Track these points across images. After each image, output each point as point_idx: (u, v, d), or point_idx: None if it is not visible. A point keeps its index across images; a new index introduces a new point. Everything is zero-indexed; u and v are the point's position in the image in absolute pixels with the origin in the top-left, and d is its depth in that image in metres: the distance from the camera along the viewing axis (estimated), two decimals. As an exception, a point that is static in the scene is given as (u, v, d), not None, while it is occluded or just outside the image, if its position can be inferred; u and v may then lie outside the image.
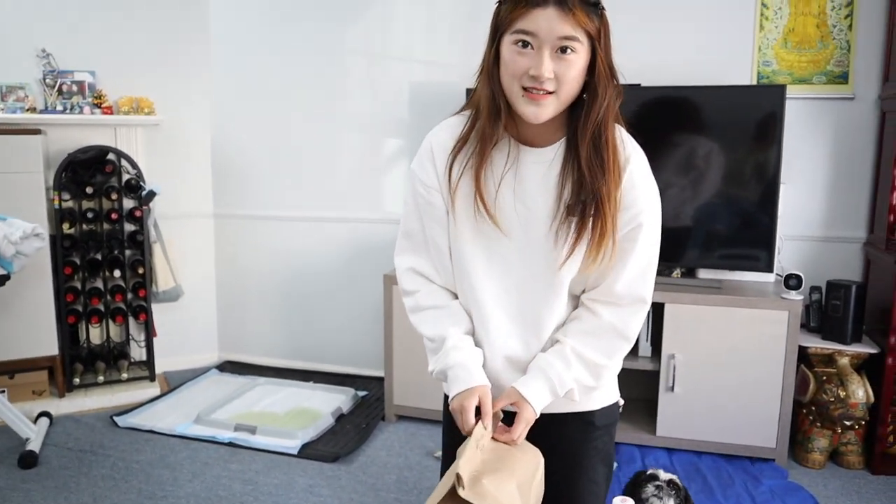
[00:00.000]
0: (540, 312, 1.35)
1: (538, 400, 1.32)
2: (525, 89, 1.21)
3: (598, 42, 1.21)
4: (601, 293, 1.34)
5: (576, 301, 1.39)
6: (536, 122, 1.25)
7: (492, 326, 1.37)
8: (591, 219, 1.26)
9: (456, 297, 1.42)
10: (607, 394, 1.46)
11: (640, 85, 3.12)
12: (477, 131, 1.31)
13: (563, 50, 1.18)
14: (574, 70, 1.20)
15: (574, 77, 1.21)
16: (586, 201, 1.26)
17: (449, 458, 1.37)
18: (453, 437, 1.35)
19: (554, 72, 1.19)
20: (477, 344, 1.40)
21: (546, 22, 1.16)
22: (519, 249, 1.34)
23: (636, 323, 1.35)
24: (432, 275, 1.42)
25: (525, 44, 1.19)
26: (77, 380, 3.70)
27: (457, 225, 1.35)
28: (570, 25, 1.16)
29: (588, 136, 1.25)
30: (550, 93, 1.21)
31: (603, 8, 1.22)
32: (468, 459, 1.21)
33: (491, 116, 1.28)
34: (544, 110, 1.23)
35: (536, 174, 1.31)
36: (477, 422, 1.30)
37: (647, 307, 1.36)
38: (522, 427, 1.31)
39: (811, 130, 3.25)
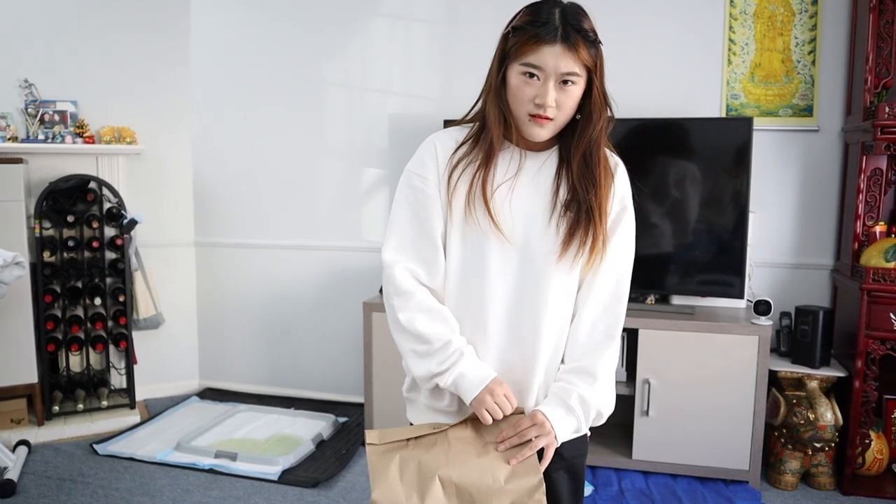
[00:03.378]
0: (538, 307, 1.42)
1: (549, 410, 1.39)
2: (531, 114, 1.34)
3: (595, 73, 1.35)
4: (582, 293, 1.45)
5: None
6: (537, 140, 1.39)
7: (490, 319, 1.42)
8: (583, 227, 1.38)
9: (440, 298, 1.46)
10: None
11: (612, 117, 3.21)
12: (483, 142, 1.41)
13: (565, 82, 1.31)
14: (572, 99, 1.34)
15: (572, 105, 1.35)
16: (580, 209, 1.38)
17: None
18: None
19: (556, 100, 1.32)
20: (470, 341, 1.44)
21: (553, 58, 1.29)
22: (517, 246, 1.41)
23: (621, 323, 1.46)
24: (423, 276, 1.45)
25: (531, 75, 1.32)
26: (56, 408, 3.69)
27: (454, 224, 1.42)
28: (572, 61, 1.30)
29: (580, 154, 1.39)
30: (552, 118, 1.35)
31: (600, 42, 1.36)
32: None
33: (500, 131, 1.40)
34: (546, 132, 1.37)
35: (533, 173, 1.42)
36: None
37: (624, 304, 1.46)
38: (526, 423, 1.38)
39: (779, 161, 3.36)
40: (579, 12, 1.33)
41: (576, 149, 1.39)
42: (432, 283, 1.45)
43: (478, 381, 1.37)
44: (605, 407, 1.44)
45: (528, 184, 1.41)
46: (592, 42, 1.32)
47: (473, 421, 1.41)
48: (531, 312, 1.42)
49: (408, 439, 1.38)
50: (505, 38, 1.37)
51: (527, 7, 1.36)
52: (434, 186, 1.43)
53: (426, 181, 1.43)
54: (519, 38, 1.32)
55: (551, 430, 1.37)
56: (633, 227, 1.47)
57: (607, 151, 1.44)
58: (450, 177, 1.41)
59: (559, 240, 1.39)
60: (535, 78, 1.32)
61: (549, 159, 1.43)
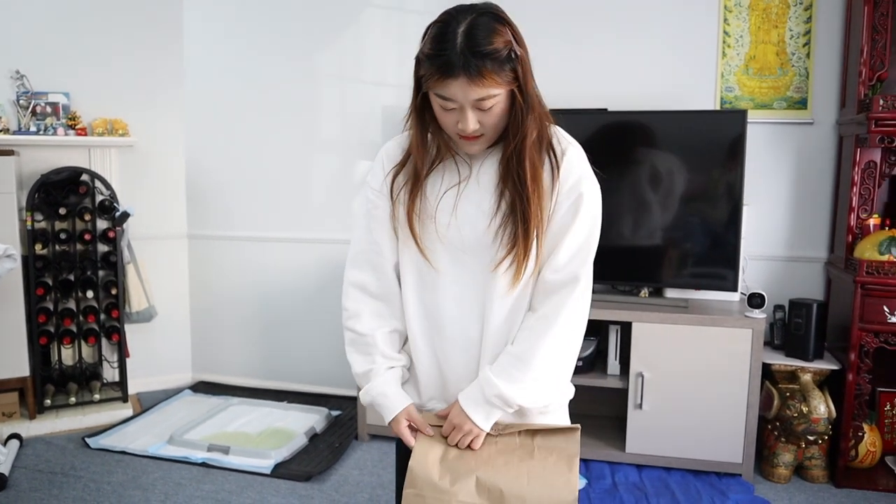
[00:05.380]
0: (483, 308, 1.42)
1: (466, 399, 1.40)
2: (459, 135, 1.33)
3: (516, 85, 1.29)
4: (539, 279, 1.40)
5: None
6: (473, 154, 1.39)
7: (445, 319, 1.43)
8: (521, 236, 1.34)
9: (390, 311, 1.49)
10: (555, 419, 1.49)
11: (606, 110, 3.21)
12: (411, 165, 1.41)
13: (482, 105, 1.27)
14: (495, 117, 1.30)
15: (497, 121, 1.31)
16: (516, 212, 1.35)
17: (403, 473, 1.44)
18: (404, 456, 1.47)
19: (479, 121, 1.29)
20: (430, 338, 1.46)
21: (460, 90, 1.25)
22: (466, 250, 1.40)
23: (569, 309, 1.38)
24: (370, 284, 1.48)
25: (447, 103, 1.29)
26: (48, 401, 3.67)
27: (400, 230, 1.44)
28: (482, 88, 1.24)
29: (509, 155, 1.34)
30: (481, 135, 1.33)
31: (516, 52, 1.27)
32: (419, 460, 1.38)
33: (422, 155, 1.40)
34: (478, 146, 1.36)
35: (479, 172, 1.41)
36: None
37: (583, 288, 1.39)
38: (448, 427, 1.42)
39: (773, 154, 3.35)
40: (485, 29, 1.23)
41: (505, 153, 1.35)
42: (383, 289, 1.48)
43: (387, 410, 1.45)
44: (533, 402, 1.40)
45: (474, 185, 1.40)
46: (504, 59, 1.24)
47: (524, 432, 1.43)
48: (478, 314, 1.42)
49: None
50: (417, 66, 1.31)
51: (431, 28, 1.29)
52: (383, 197, 1.46)
53: (375, 192, 1.47)
54: (425, 71, 1.27)
55: (474, 429, 1.39)
56: (593, 211, 1.39)
57: (554, 139, 1.38)
58: (391, 187, 1.44)
59: (496, 245, 1.37)
60: (452, 107, 1.28)
61: (493, 156, 1.40)
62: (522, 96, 1.29)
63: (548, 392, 1.43)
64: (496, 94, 1.26)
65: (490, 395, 1.37)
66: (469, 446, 1.40)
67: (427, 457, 1.38)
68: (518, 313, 1.41)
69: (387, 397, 1.44)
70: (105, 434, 3.46)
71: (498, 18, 1.27)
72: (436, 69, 1.24)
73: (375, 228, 1.47)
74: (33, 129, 3.72)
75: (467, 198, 1.39)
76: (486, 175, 1.39)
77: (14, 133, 3.69)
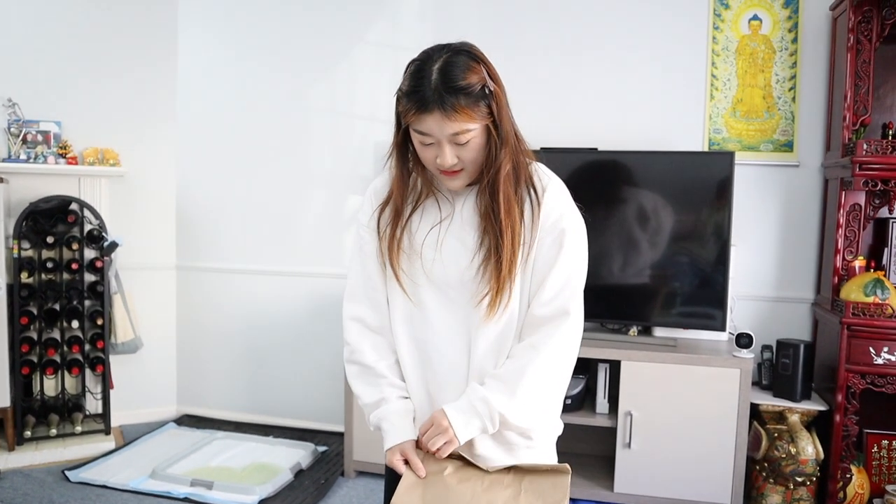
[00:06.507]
0: (468, 343, 1.43)
1: (452, 409, 1.39)
2: (440, 170, 1.35)
3: (490, 120, 1.32)
4: (528, 313, 1.41)
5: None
6: (455, 190, 1.42)
7: (431, 349, 1.44)
8: (497, 272, 1.36)
9: (388, 343, 1.50)
10: (542, 455, 1.49)
11: (596, 149, 3.25)
12: (393, 205, 1.44)
13: (458, 140, 1.30)
14: (473, 151, 1.33)
15: (475, 156, 1.34)
16: (495, 244, 1.36)
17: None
18: (391, 494, 1.44)
19: (457, 156, 1.32)
20: (419, 366, 1.46)
21: (435, 124, 1.28)
22: (450, 286, 1.42)
23: (558, 339, 1.39)
24: (369, 318, 1.50)
25: (426, 139, 1.32)
26: (28, 433, 3.61)
27: (386, 265, 1.46)
28: (456, 123, 1.28)
29: (485, 190, 1.37)
30: (461, 169, 1.35)
31: (490, 88, 1.30)
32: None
33: (403, 192, 1.42)
34: (460, 182, 1.38)
35: (461, 209, 1.43)
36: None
37: (573, 322, 1.40)
38: (427, 425, 1.40)
39: (760, 195, 3.39)
40: (459, 66, 1.28)
41: (482, 188, 1.38)
42: (381, 322, 1.50)
43: (388, 438, 1.44)
44: (515, 419, 1.39)
45: (458, 222, 1.42)
46: (478, 95, 1.28)
47: (515, 472, 1.41)
48: (465, 348, 1.43)
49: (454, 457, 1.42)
50: (397, 103, 1.35)
51: (410, 65, 1.33)
52: (371, 232, 1.49)
53: (364, 227, 1.50)
54: (403, 107, 1.32)
55: (454, 437, 1.38)
56: (577, 246, 1.41)
57: (534, 176, 1.41)
58: (378, 223, 1.46)
59: (478, 280, 1.39)
60: (430, 141, 1.32)
61: (474, 193, 1.42)
62: (497, 131, 1.33)
63: (533, 416, 1.42)
64: (471, 129, 1.30)
65: (474, 399, 1.37)
66: (437, 454, 1.39)
67: (409, 496, 1.36)
68: (505, 346, 1.42)
69: (393, 425, 1.44)
70: (86, 467, 3.40)
71: (472, 56, 1.31)
72: (412, 105, 1.29)
73: (367, 264, 1.49)
74: (23, 157, 3.71)
75: (452, 234, 1.41)
76: (468, 211, 1.42)
77: (4, 161, 3.67)
